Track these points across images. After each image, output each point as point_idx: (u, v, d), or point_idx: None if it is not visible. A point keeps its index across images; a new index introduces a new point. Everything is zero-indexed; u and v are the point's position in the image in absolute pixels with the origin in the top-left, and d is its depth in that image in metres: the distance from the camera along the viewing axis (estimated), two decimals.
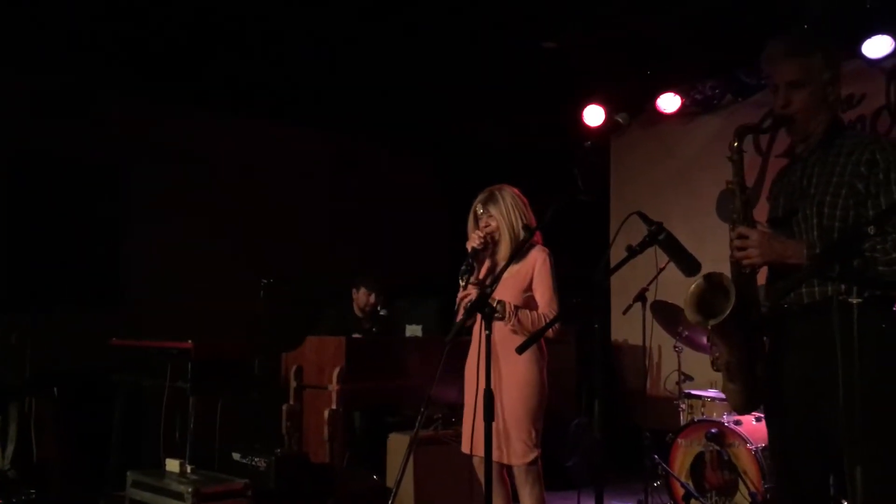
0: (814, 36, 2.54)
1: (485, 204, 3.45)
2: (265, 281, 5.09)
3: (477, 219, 3.47)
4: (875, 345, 2.20)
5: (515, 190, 3.50)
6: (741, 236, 2.41)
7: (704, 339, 4.78)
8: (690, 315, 2.44)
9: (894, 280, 2.27)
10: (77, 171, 5.92)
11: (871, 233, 1.91)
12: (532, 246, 3.41)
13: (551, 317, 3.24)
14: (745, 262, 2.42)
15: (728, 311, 2.32)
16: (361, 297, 5.95)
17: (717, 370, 2.55)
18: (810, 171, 2.47)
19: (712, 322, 2.38)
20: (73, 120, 5.83)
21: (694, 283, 2.45)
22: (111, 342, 5.04)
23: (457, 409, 4.74)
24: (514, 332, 3.27)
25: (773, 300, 2.48)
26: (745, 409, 2.60)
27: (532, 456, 3.28)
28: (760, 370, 2.47)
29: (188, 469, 4.17)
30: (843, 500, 3.94)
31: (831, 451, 2.34)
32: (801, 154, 2.55)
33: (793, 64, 2.44)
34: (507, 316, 3.24)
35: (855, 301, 1.88)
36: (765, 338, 2.54)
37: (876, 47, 5.31)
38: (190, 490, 3.86)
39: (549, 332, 3.19)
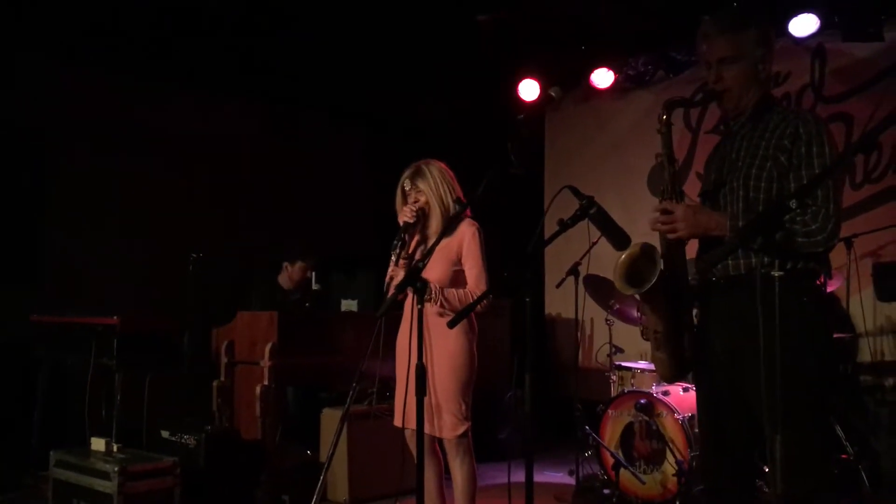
0: (747, 13, 2.57)
1: (412, 179, 3.41)
2: (194, 255, 4.97)
3: (405, 194, 3.43)
4: (796, 318, 2.26)
5: (442, 164, 3.47)
6: (665, 211, 2.46)
7: (635, 313, 4.87)
8: (619, 284, 2.48)
9: (812, 251, 2.34)
10: None
11: (793, 206, 1.94)
12: (461, 219, 3.39)
13: (479, 293, 3.23)
14: (671, 235, 2.46)
15: (654, 280, 2.36)
16: (298, 271, 5.83)
17: (647, 339, 2.59)
18: (739, 144, 2.52)
19: (638, 291, 2.42)
20: None
21: (623, 254, 2.48)
22: (32, 318, 4.86)
23: (390, 383, 4.75)
24: (442, 313, 3.25)
25: (699, 272, 2.53)
26: (672, 378, 2.64)
27: (462, 429, 3.29)
28: (688, 341, 2.52)
29: (114, 448, 4.07)
30: (765, 468, 4.09)
31: (754, 422, 2.41)
32: (732, 129, 2.60)
33: (726, 40, 2.48)
34: (434, 297, 3.22)
35: (776, 274, 1.92)
36: (694, 309, 2.59)
37: (802, 26, 5.43)
38: (116, 469, 3.76)
39: (478, 307, 3.19)
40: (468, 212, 3.43)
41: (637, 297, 2.54)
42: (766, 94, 2.55)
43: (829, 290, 4.55)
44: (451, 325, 2.66)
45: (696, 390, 2.70)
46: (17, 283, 5.56)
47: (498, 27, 5.92)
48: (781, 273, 1.94)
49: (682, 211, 2.44)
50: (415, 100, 7.03)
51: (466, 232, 3.36)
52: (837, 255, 4.78)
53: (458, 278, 3.36)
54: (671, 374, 2.60)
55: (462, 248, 3.34)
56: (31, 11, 5.30)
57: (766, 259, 2.28)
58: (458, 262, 3.36)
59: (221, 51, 6.10)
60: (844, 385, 5.08)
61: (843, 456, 4.40)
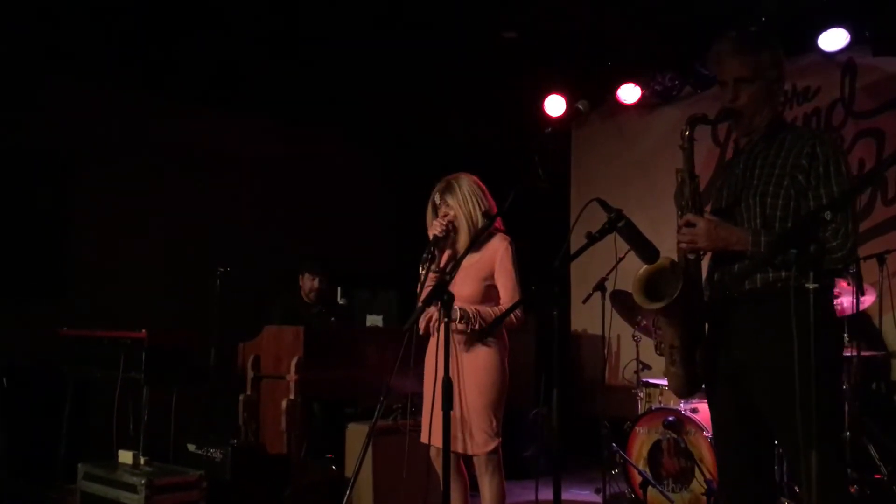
0: (760, 35, 2.61)
1: (442, 194, 3.42)
2: (221, 270, 5.00)
3: (435, 209, 3.44)
4: (815, 333, 2.25)
5: (474, 178, 3.47)
6: (688, 224, 2.47)
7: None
8: (638, 298, 2.47)
9: (832, 268, 2.38)
10: (20, 158, 5.68)
11: (828, 218, 1.95)
12: (493, 234, 3.39)
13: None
14: (691, 247, 2.47)
15: (675, 295, 2.35)
16: (306, 282, 5.91)
17: (661, 354, 2.58)
18: (753, 163, 2.55)
19: (658, 305, 2.41)
20: (13, 105, 5.63)
21: (643, 267, 2.47)
22: (61, 332, 4.91)
23: (416, 399, 4.74)
24: (481, 333, 3.23)
25: (723, 286, 2.52)
26: (685, 394, 2.64)
27: (493, 445, 3.27)
28: (700, 355, 2.52)
29: (142, 461, 4.09)
30: (794, 487, 4.02)
31: (766, 436, 2.45)
32: (744, 148, 2.63)
33: (741, 61, 2.51)
34: (472, 320, 3.21)
35: (811, 287, 1.90)
36: (705, 324, 2.59)
37: (832, 40, 5.39)
38: (143, 482, 3.78)
39: (513, 321, 3.18)
40: (500, 225, 3.42)
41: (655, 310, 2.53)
42: (778, 114, 2.60)
43: (861, 307, 4.48)
44: (480, 337, 2.65)
45: (709, 406, 2.70)
46: (44, 299, 5.63)
47: (524, 43, 5.94)
48: (816, 285, 1.92)
49: (704, 224, 2.45)
50: (442, 118, 7.04)
51: (500, 247, 3.35)
52: (870, 272, 4.71)
53: (489, 293, 3.35)
54: (684, 390, 2.60)
55: (495, 262, 3.34)
56: (53, 34, 5.40)
57: (783, 272, 2.32)
58: (491, 276, 3.35)
59: (245, 70, 6.18)
60: (877, 404, 4.99)
61: (877, 476, 4.32)
